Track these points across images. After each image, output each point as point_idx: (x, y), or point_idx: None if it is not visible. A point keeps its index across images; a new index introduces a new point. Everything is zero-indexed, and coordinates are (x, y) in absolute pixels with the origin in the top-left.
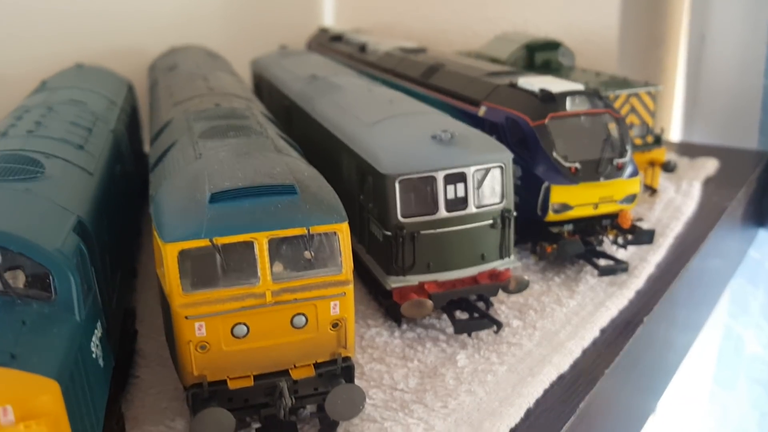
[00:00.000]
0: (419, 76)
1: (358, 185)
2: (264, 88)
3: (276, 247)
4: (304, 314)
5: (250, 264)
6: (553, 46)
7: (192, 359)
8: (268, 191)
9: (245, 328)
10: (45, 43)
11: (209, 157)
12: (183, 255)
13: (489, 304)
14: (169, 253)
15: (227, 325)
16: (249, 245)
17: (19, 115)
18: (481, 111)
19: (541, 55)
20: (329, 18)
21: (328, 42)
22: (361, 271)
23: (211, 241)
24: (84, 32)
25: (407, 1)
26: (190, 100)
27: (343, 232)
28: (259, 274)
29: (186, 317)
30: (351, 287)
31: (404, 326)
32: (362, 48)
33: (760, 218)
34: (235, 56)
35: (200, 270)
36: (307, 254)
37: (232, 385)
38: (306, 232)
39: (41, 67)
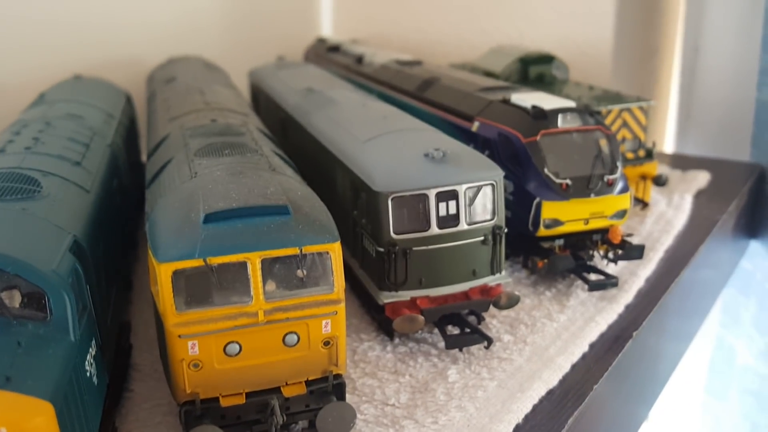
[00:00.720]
0: (414, 90)
1: (351, 200)
2: (261, 100)
3: (269, 266)
4: (296, 333)
5: (243, 283)
6: (547, 59)
7: (185, 377)
8: (261, 212)
9: (238, 347)
10: (43, 53)
11: (204, 177)
12: (177, 275)
13: (480, 319)
14: (163, 273)
15: (220, 344)
16: (242, 265)
17: (17, 130)
18: (475, 126)
19: (536, 68)
20: (327, 28)
21: (325, 53)
22: (354, 284)
23: (204, 261)
24: (82, 43)
25: (404, 13)
26: (186, 116)
27: (335, 251)
28: (252, 293)
29: (179, 336)
30: (343, 306)
31: (396, 340)
32: (359, 59)
33: (751, 230)
34: (233, 67)
35: (194, 289)
36: (299, 273)
37: (224, 402)
38: (298, 252)
39: (39, 77)
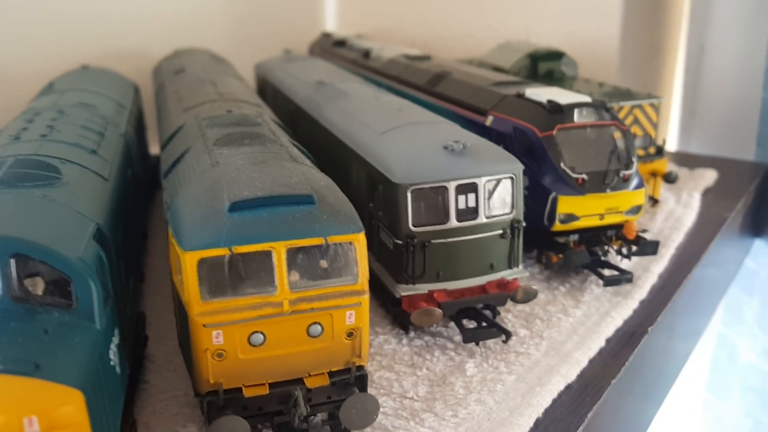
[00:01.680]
0: (425, 84)
1: (367, 193)
2: (268, 93)
3: (293, 256)
4: (320, 323)
5: (267, 273)
6: (556, 56)
7: (209, 367)
8: (286, 201)
9: (262, 337)
10: (48, 43)
11: (226, 165)
12: (202, 263)
13: (496, 313)
14: (188, 262)
15: (244, 334)
16: (267, 254)
17: (29, 118)
18: (489, 120)
19: (545, 64)
20: (331, 23)
21: (330, 47)
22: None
23: (230, 249)
24: (87, 33)
25: (409, 8)
26: (201, 106)
27: (359, 242)
28: (276, 283)
29: (204, 325)
30: (367, 297)
31: (412, 334)
32: (366, 54)
33: (756, 229)
34: (237, 59)
35: (219, 279)
36: (323, 264)
37: (247, 393)
38: (323, 242)
39: (45, 67)
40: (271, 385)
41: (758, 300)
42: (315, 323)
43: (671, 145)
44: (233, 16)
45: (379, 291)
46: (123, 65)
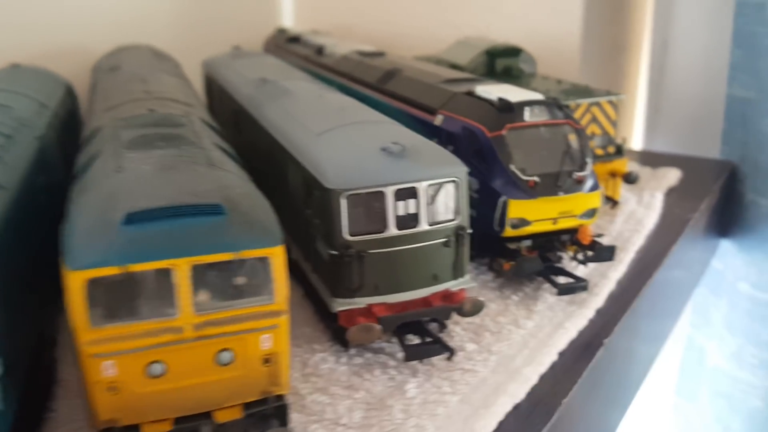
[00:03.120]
0: (375, 82)
1: (304, 199)
2: (215, 91)
3: (200, 274)
4: (230, 350)
5: (168, 294)
6: (514, 52)
7: (101, 402)
8: (190, 211)
9: (162, 367)
10: None
11: (130, 171)
12: (91, 284)
13: (443, 326)
14: (74, 282)
15: (141, 364)
16: (167, 273)
17: None
18: (438, 120)
19: (502, 61)
20: (288, 18)
21: (285, 43)
22: (308, 289)
23: (123, 268)
24: (23, 29)
25: (368, 3)
26: (123, 105)
27: (276, 256)
28: (178, 305)
29: (93, 355)
30: (285, 318)
31: (352, 351)
32: (319, 50)
33: (722, 229)
34: (189, 57)
35: (110, 301)
36: (235, 281)
37: (147, 430)
38: (233, 257)
39: None
40: (176, 421)
41: (725, 302)
42: (224, 350)
43: (636, 144)
44: (184, 11)
45: (319, 303)
46: (62, 64)
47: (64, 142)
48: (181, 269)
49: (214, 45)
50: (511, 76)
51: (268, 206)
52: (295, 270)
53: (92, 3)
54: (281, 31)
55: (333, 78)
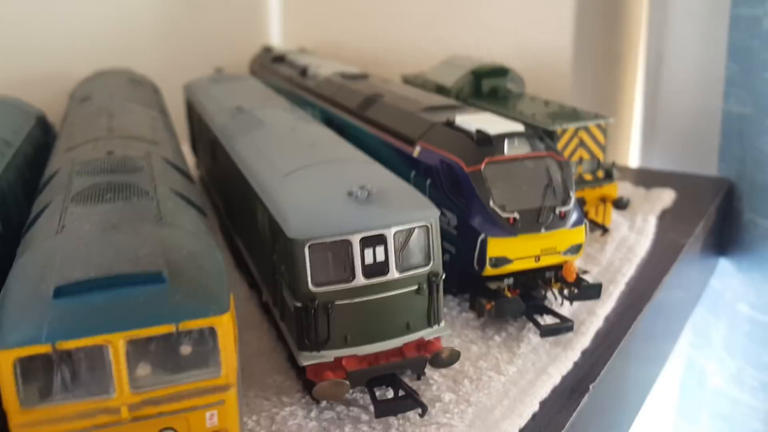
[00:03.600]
0: (356, 108)
1: (270, 243)
2: (194, 119)
3: (138, 348)
4: (172, 429)
5: (102, 372)
6: (501, 72)
7: None
8: (127, 281)
9: None
10: None
11: (70, 232)
12: (20, 363)
13: (420, 374)
14: (3, 361)
15: None
16: (102, 350)
17: None
18: (416, 152)
19: (489, 81)
20: (277, 35)
21: (270, 63)
22: (280, 335)
23: (52, 346)
24: None
25: (357, 20)
26: (84, 145)
27: (222, 325)
28: (113, 384)
29: None
30: (233, 392)
31: (323, 404)
32: (303, 72)
33: (720, 247)
34: (171, 79)
35: (42, 381)
36: (177, 355)
37: None
38: (174, 329)
39: None
40: None
41: (725, 322)
42: (166, 429)
43: (633, 162)
44: (167, 30)
45: (290, 350)
46: (38, 90)
47: (31, 181)
48: (116, 345)
49: (200, 65)
50: (497, 97)
51: (219, 266)
52: (269, 311)
53: (70, 24)
54: (267, 50)
55: (315, 102)
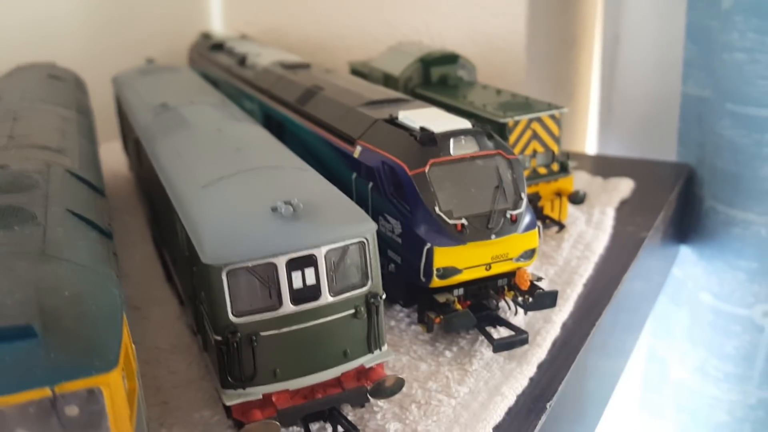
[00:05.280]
0: (295, 101)
1: (189, 263)
2: (122, 115)
3: (9, 417)
4: None
5: None
6: (450, 59)
7: None
8: None
9: None
10: None
11: None
12: None
13: (363, 402)
14: None
15: None
16: None
17: None
18: (356, 152)
19: (438, 69)
20: (217, 22)
21: (207, 51)
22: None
23: None
24: None
25: (301, 4)
26: None
27: (110, 385)
28: None
29: None
30: None
31: None
32: (241, 61)
33: (681, 235)
34: (103, 73)
35: None
36: (59, 422)
37: None
38: (50, 394)
39: None
40: None
41: (686, 312)
42: None
43: (590, 148)
44: (96, 18)
45: None
46: None
47: None
48: None
49: (135, 56)
50: (447, 85)
51: (113, 307)
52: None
53: None
54: (206, 37)
55: (254, 95)
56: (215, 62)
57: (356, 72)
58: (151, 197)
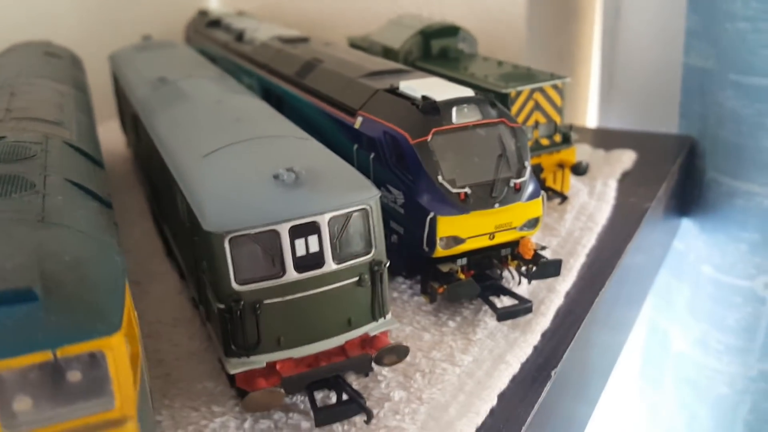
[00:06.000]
0: (294, 75)
1: (191, 234)
2: (120, 92)
3: (10, 381)
4: None
5: None
6: (451, 31)
7: None
8: None
9: None
10: None
11: None
12: None
13: (367, 371)
14: None
15: None
16: None
17: None
18: (357, 123)
19: (438, 42)
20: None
21: (204, 28)
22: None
23: None
24: None
25: None
26: None
27: (113, 348)
28: None
29: None
30: (132, 426)
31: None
32: (239, 36)
33: (682, 207)
34: (100, 51)
35: None
36: (61, 385)
37: None
38: (52, 357)
39: None
40: None
41: (688, 285)
42: None
43: (591, 121)
44: None
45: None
46: None
47: None
48: None
49: (132, 34)
50: (448, 58)
51: (115, 273)
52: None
53: None
54: (202, 14)
55: (252, 69)
56: (212, 39)
57: (355, 46)
58: (149, 172)
